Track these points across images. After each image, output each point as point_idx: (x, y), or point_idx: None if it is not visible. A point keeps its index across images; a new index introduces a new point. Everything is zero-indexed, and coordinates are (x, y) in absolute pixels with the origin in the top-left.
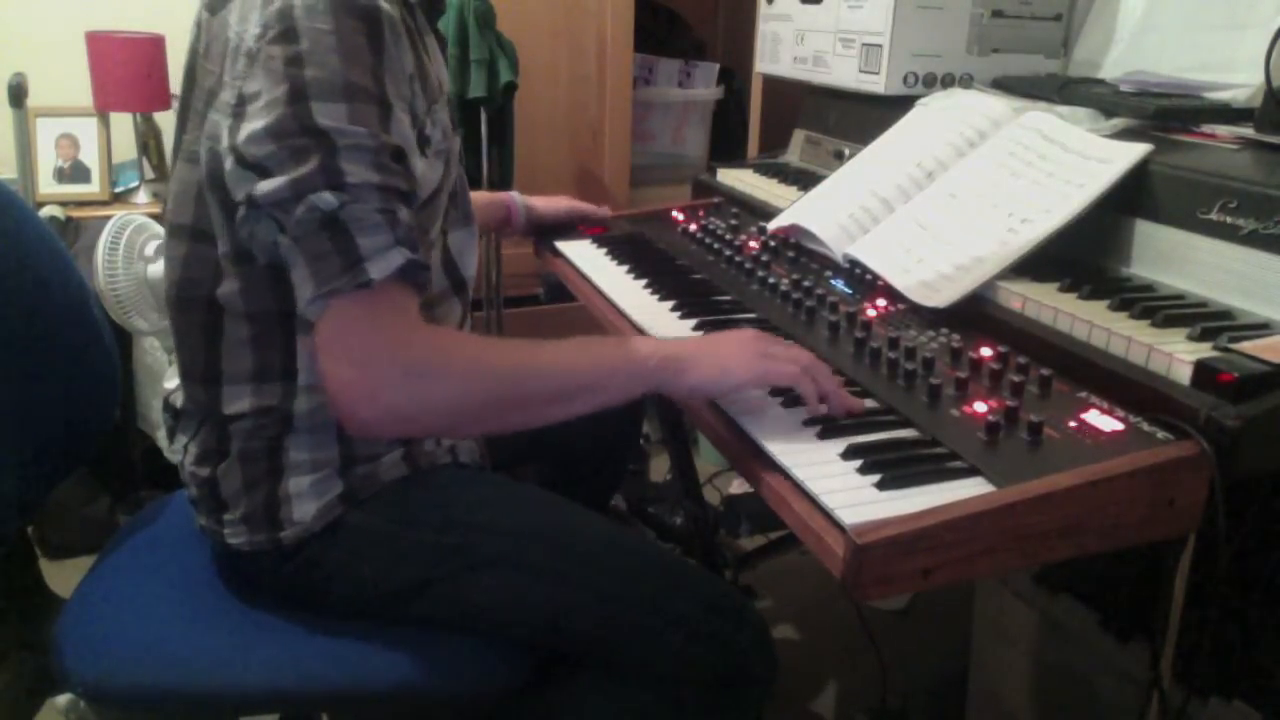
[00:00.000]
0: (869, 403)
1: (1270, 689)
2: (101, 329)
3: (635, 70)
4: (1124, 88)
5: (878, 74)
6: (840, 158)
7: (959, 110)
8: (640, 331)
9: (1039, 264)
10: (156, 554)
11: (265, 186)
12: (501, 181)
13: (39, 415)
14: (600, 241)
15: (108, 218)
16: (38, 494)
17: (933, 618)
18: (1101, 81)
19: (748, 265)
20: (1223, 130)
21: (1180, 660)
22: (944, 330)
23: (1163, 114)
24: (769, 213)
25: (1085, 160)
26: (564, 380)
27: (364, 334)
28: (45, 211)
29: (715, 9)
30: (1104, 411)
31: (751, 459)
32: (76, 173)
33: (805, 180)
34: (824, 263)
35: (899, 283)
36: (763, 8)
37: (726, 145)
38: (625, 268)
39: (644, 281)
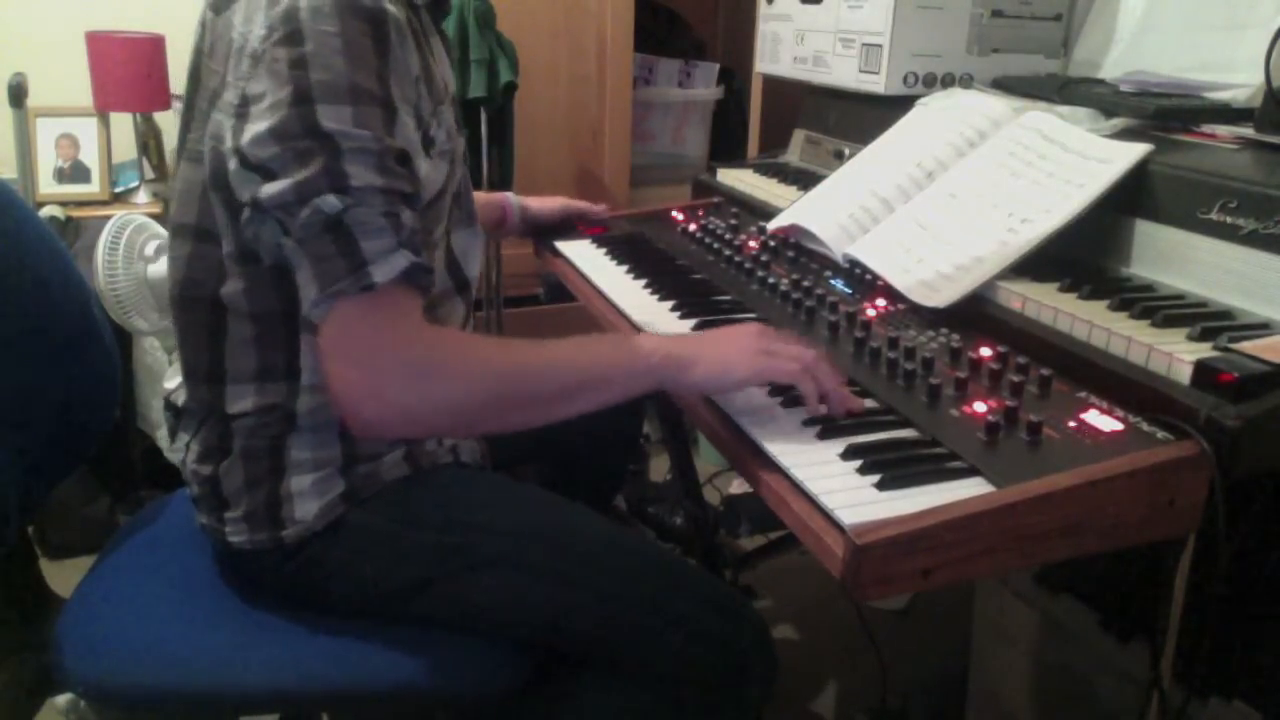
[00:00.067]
0: (869, 403)
1: (1270, 689)
2: (101, 329)
3: (635, 70)
4: (1124, 88)
5: (878, 74)
6: (840, 158)
7: (959, 110)
8: (640, 331)
9: (1039, 264)
10: (156, 554)
11: (269, 189)
12: (501, 182)
13: (39, 415)
14: (600, 241)
15: (108, 218)
16: (38, 494)
17: (933, 618)
18: (1101, 81)
19: (748, 265)
20: (1223, 130)
21: (1180, 660)
22: (944, 330)
23: (1163, 114)
24: (769, 213)
25: (1085, 160)
26: (567, 379)
27: (367, 336)
28: (45, 211)
29: (715, 9)
30: (1104, 411)
31: (751, 459)
32: (76, 173)
33: (805, 180)
34: (824, 263)
35: (899, 283)
36: (763, 8)
37: (726, 145)
38: (625, 268)
39: (644, 281)
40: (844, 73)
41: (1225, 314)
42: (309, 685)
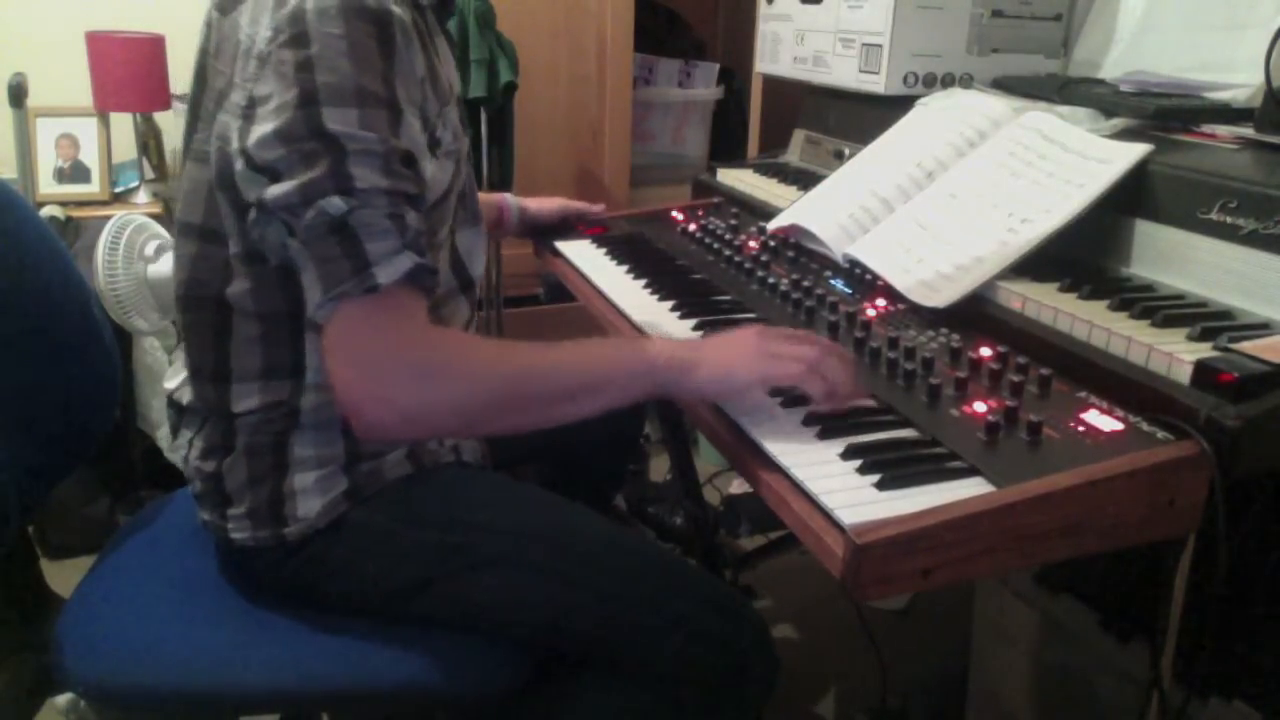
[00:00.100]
0: (869, 403)
1: (1270, 689)
2: (101, 329)
3: (635, 70)
4: (1124, 88)
5: (878, 74)
6: (840, 158)
7: (959, 110)
8: (640, 331)
9: (1039, 264)
10: (157, 554)
11: (275, 190)
12: (501, 182)
13: (39, 415)
14: (600, 241)
15: (108, 218)
16: (38, 494)
17: (933, 618)
18: (1101, 81)
19: (748, 265)
20: (1223, 130)
21: (1180, 660)
22: (944, 330)
23: (1163, 114)
24: (769, 213)
25: (1085, 160)
26: (570, 381)
27: (372, 337)
28: (45, 211)
29: (715, 9)
30: (1104, 411)
31: (751, 459)
32: (76, 173)
33: (805, 180)
34: (824, 263)
35: (899, 283)
36: (763, 8)
37: (726, 145)
38: (625, 268)
39: (644, 281)
40: (844, 73)
41: (1225, 314)
42: (309, 685)
